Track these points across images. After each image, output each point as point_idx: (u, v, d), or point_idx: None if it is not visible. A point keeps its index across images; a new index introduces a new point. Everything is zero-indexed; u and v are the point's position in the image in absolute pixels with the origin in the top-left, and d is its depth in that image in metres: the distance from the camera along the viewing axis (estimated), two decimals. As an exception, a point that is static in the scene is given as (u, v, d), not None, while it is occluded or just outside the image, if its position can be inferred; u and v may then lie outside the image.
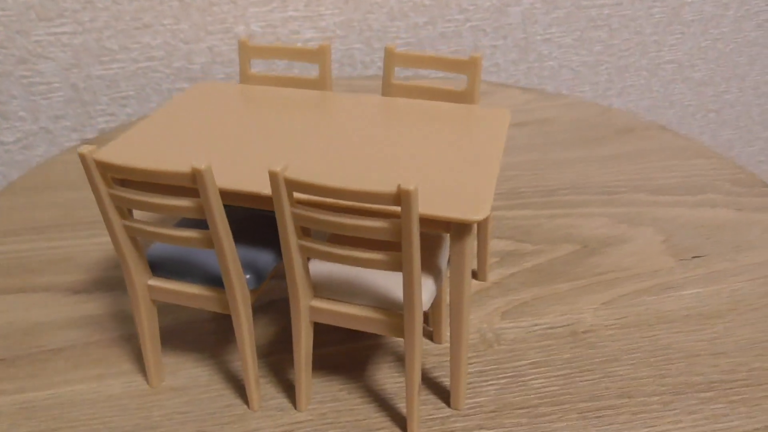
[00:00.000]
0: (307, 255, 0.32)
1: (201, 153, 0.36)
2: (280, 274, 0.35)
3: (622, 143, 0.66)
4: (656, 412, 0.37)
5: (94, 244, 0.51)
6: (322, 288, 0.35)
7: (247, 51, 0.44)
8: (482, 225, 0.45)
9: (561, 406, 0.37)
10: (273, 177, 0.29)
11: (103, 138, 0.67)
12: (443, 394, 0.38)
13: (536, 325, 0.44)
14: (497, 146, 0.37)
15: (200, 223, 0.34)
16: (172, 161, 0.35)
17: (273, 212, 0.32)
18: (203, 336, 0.43)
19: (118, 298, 0.46)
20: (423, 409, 0.37)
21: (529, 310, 0.45)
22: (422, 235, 0.34)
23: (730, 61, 1.11)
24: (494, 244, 0.52)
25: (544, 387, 0.39)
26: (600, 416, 0.37)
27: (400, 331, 0.33)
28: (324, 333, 0.41)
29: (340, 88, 0.77)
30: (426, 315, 0.44)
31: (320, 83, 0.44)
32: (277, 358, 0.41)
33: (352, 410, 0.37)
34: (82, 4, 0.70)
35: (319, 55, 0.44)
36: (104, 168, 0.31)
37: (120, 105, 0.77)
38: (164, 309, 0.44)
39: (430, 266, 0.35)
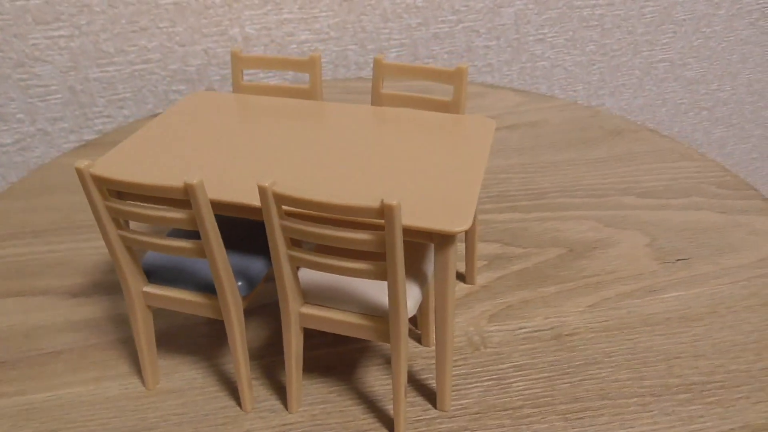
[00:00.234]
0: (296, 264, 0.33)
1: (194, 164, 0.37)
2: (272, 278, 0.36)
3: (611, 146, 0.68)
4: (634, 414, 0.38)
5: (92, 248, 0.53)
6: (311, 295, 0.36)
7: (239, 62, 0.45)
8: (470, 230, 0.46)
9: (543, 408, 0.39)
10: (262, 191, 0.30)
11: (100, 140, 0.68)
12: (430, 396, 0.40)
13: (522, 328, 0.45)
14: (481, 156, 0.38)
15: (192, 233, 0.35)
16: (166, 173, 0.36)
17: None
18: (198, 339, 0.44)
19: (115, 302, 0.47)
20: (410, 410, 0.39)
21: (515, 313, 0.46)
22: (408, 243, 0.36)
23: (723, 59, 1.12)
24: (483, 248, 0.53)
25: (527, 389, 0.40)
26: (580, 417, 0.38)
27: (386, 336, 0.35)
28: (315, 336, 0.42)
29: (334, 90, 0.78)
30: (415, 319, 0.45)
31: (311, 92, 0.45)
32: (269, 360, 0.42)
33: (341, 412, 0.39)
34: (79, 8, 0.71)
35: (309, 65, 0.45)
36: (100, 182, 0.32)
37: (117, 107, 0.78)
38: (160, 313, 0.45)
39: (416, 273, 0.36)
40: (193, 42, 0.77)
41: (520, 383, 0.41)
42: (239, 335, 0.37)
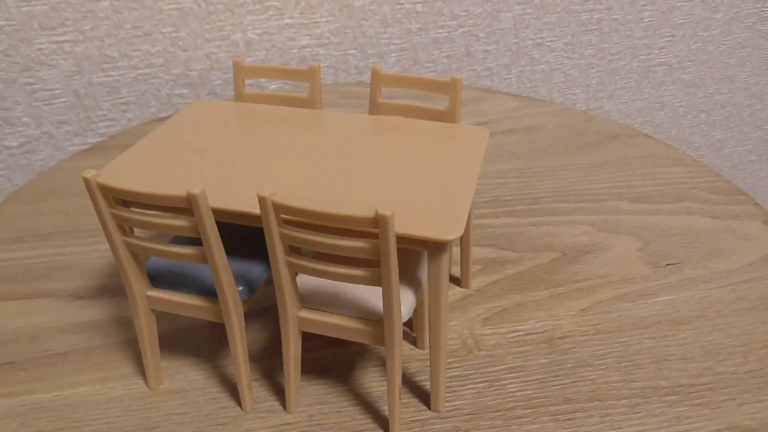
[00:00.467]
0: (295, 270, 0.35)
1: (196, 173, 0.39)
2: (272, 282, 0.37)
3: (606, 150, 0.69)
4: (623, 415, 0.39)
5: (97, 251, 0.54)
6: (309, 300, 0.37)
7: (241, 71, 0.47)
8: (464, 234, 0.47)
9: (534, 409, 0.40)
10: (262, 201, 0.32)
11: (104, 143, 0.70)
12: (425, 397, 0.41)
13: (515, 331, 0.46)
14: (474, 165, 0.39)
15: (194, 239, 0.36)
16: (170, 181, 0.38)
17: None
18: (200, 341, 0.45)
19: (119, 304, 0.48)
20: (405, 411, 0.40)
21: (509, 317, 0.47)
22: (402, 250, 0.37)
23: (720, 62, 1.13)
24: (478, 252, 0.54)
25: (519, 391, 0.41)
26: (571, 419, 0.39)
27: (381, 340, 0.36)
28: (313, 338, 0.44)
29: (335, 94, 0.79)
30: (410, 322, 0.46)
31: (311, 101, 0.47)
32: (269, 362, 0.43)
33: (338, 412, 0.40)
34: (84, 14, 0.72)
35: (309, 75, 0.46)
36: (106, 191, 0.34)
37: (121, 110, 0.79)
38: (163, 316, 0.46)
39: (410, 279, 0.38)
40: (196, 47, 0.79)
41: (513, 385, 0.42)
42: (239, 338, 0.38)
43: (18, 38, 0.71)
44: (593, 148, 0.69)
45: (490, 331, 0.46)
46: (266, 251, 0.38)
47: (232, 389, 0.42)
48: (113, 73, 0.77)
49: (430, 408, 0.40)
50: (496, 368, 0.43)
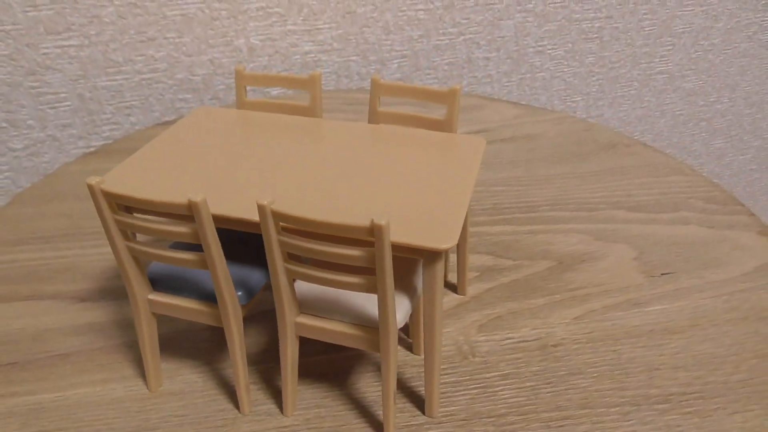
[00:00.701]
0: (293, 277, 0.35)
1: (198, 180, 0.39)
2: (271, 287, 0.38)
3: (604, 159, 0.69)
4: (614, 423, 0.40)
5: (100, 254, 0.55)
6: (306, 306, 0.38)
7: (243, 79, 0.47)
8: (461, 242, 0.48)
9: (526, 416, 0.41)
10: (261, 209, 0.32)
11: (108, 147, 0.70)
12: (419, 403, 0.42)
13: (509, 338, 0.47)
14: (470, 174, 0.40)
15: (195, 245, 0.37)
16: (172, 188, 0.39)
17: (261, 238, 0.35)
18: (199, 344, 0.46)
19: (121, 307, 0.49)
20: (400, 416, 0.41)
21: (504, 324, 0.48)
22: (398, 257, 0.38)
23: (721, 71, 1.14)
24: (475, 259, 0.55)
25: (512, 397, 0.42)
26: (562, 426, 0.40)
27: (377, 346, 0.37)
28: (310, 343, 0.44)
29: (337, 101, 0.80)
30: (407, 328, 0.47)
31: (311, 110, 0.48)
32: (267, 366, 0.44)
33: (334, 416, 0.41)
34: (89, 19, 0.73)
35: (310, 83, 0.47)
36: (110, 197, 0.34)
37: (124, 114, 0.80)
38: (163, 319, 0.47)
39: (406, 286, 0.38)
40: (200, 52, 0.80)
41: (506, 392, 0.42)
42: (238, 342, 0.39)
43: (24, 42, 0.72)
44: (592, 156, 0.70)
45: (484, 337, 0.47)
46: (265, 258, 0.39)
47: (231, 392, 0.42)
48: (118, 77, 0.78)
49: (424, 413, 0.41)
50: (490, 375, 0.44)
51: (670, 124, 1.17)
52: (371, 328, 0.37)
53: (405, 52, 0.90)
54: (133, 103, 0.80)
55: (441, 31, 0.91)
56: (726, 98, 1.18)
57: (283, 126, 0.46)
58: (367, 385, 0.43)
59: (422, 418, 0.41)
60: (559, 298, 0.51)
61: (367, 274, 0.34)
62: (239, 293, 0.38)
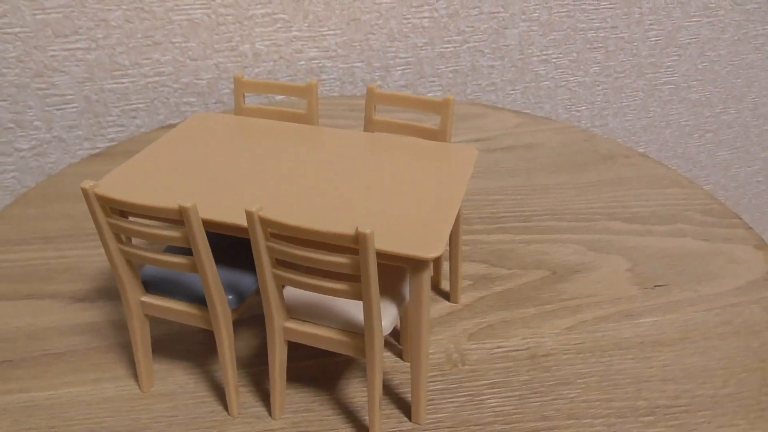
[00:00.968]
0: (281, 282, 0.36)
1: (192, 185, 0.40)
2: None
3: (603, 170, 0.70)
4: (599, 434, 0.40)
5: (99, 255, 0.56)
6: (295, 311, 0.38)
7: (241, 86, 0.48)
8: (454, 250, 0.48)
9: (512, 425, 0.41)
10: (249, 216, 0.33)
11: (113, 149, 0.71)
12: (407, 409, 0.42)
13: (499, 347, 0.47)
14: (460, 184, 0.40)
15: (187, 249, 0.38)
16: (165, 193, 0.39)
17: (250, 244, 0.35)
18: (192, 346, 0.47)
19: (118, 307, 0.50)
20: (387, 422, 0.41)
21: (494, 333, 0.48)
22: (386, 265, 0.38)
23: (728, 82, 1.14)
24: (469, 268, 0.55)
25: (499, 406, 0.42)
26: (547, 435, 0.40)
27: (363, 352, 0.37)
28: (302, 347, 0.45)
29: (339, 107, 0.81)
30: (398, 334, 0.47)
31: (307, 117, 0.48)
32: (257, 369, 0.45)
33: (321, 421, 0.41)
34: (96, 22, 0.74)
35: (307, 92, 0.47)
36: (103, 201, 0.35)
37: (130, 117, 0.81)
38: (157, 321, 0.48)
39: (394, 294, 0.39)
40: (205, 57, 0.81)
41: (493, 400, 0.43)
42: (228, 345, 0.39)
43: (32, 44, 0.73)
44: (590, 167, 0.70)
45: (474, 346, 0.47)
46: (257, 262, 0.39)
47: (221, 394, 0.43)
48: (124, 80, 0.79)
49: (411, 420, 0.41)
50: (478, 383, 0.44)
51: (675, 134, 1.16)
52: (358, 334, 0.37)
53: (409, 59, 0.91)
54: (138, 106, 0.81)
55: (445, 39, 0.91)
56: (732, 109, 1.17)
57: (279, 133, 0.47)
58: (355, 391, 0.43)
59: (409, 425, 0.41)
60: (551, 308, 0.51)
61: (353, 281, 0.34)
62: (230, 297, 0.39)
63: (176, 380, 0.44)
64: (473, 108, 0.83)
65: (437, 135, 0.46)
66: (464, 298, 0.52)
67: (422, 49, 0.91)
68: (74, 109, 0.79)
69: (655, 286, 0.53)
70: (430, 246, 0.34)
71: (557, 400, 0.43)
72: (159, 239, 0.35)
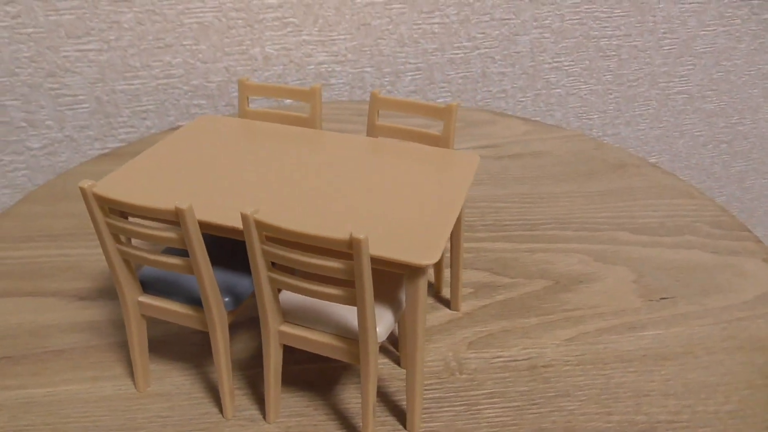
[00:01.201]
0: (276, 286, 0.36)
1: (191, 186, 0.40)
2: (255, 299, 0.39)
3: (611, 179, 0.69)
4: (597, 447, 0.40)
5: (102, 255, 0.56)
6: (290, 315, 0.38)
7: (245, 89, 0.48)
8: (455, 257, 0.48)
9: (508, 436, 0.40)
10: (245, 218, 0.33)
11: (123, 149, 0.72)
12: (402, 417, 0.42)
13: (498, 357, 0.46)
14: (460, 191, 0.40)
15: (184, 250, 0.38)
16: (164, 194, 0.39)
17: (246, 247, 0.35)
18: (190, 348, 0.47)
19: (118, 307, 0.50)
20: (381, 429, 0.41)
21: (494, 342, 0.48)
22: (383, 271, 0.38)
23: (743, 93, 1.12)
24: (472, 275, 0.55)
25: (496, 417, 0.42)
26: (543, 447, 0.40)
27: (357, 358, 0.37)
28: (299, 351, 0.45)
29: (347, 111, 0.81)
30: (396, 341, 0.47)
31: (311, 121, 0.48)
32: (254, 371, 0.45)
33: (315, 426, 0.41)
34: (109, 24, 0.75)
35: (310, 96, 0.47)
36: (101, 201, 0.35)
37: (140, 118, 0.82)
38: (156, 321, 0.48)
39: (390, 300, 0.38)
40: (215, 60, 0.81)
41: (490, 411, 0.42)
42: (223, 347, 0.39)
43: (45, 45, 0.74)
44: (599, 176, 0.69)
45: (474, 354, 0.47)
46: (254, 265, 0.39)
47: (217, 396, 0.43)
48: (135, 81, 0.79)
49: (405, 428, 0.41)
50: (476, 392, 0.43)
51: (689, 145, 1.15)
52: (353, 340, 0.37)
53: (419, 65, 0.91)
54: (149, 107, 0.82)
55: (456, 45, 0.91)
56: (748, 120, 1.16)
57: (282, 136, 0.47)
58: (351, 397, 0.43)
59: (403, 433, 0.41)
60: (552, 318, 0.50)
61: (348, 286, 0.34)
62: (226, 299, 0.39)
63: (173, 381, 0.44)
64: (482, 115, 0.83)
65: (440, 141, 0.46)
66: (465, 306, 0.51)
67: (432, 55, 0.91)
68: (85, 110, 0.80)
69: (660, 299, 0.52)
70: (427, 253, 0.34)
71: (555, 412, 0.42)
72: (156, 240, 0.35)
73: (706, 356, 0.47)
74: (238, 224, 0.36)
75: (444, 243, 0.35)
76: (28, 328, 0.48)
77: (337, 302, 0.34)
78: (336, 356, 0.38)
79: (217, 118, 0.49)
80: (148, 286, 0.41)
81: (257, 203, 0.39)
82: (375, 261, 0.34)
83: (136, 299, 0.40)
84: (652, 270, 0.55)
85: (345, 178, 0.41)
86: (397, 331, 0.47)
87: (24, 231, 0.59)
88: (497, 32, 0.92)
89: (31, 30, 0.73)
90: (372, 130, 0.48)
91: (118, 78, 0.79)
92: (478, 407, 0.42)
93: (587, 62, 0.99)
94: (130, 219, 0.38)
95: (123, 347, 0.47)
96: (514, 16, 0.91)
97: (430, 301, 0.52)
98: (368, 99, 0.90)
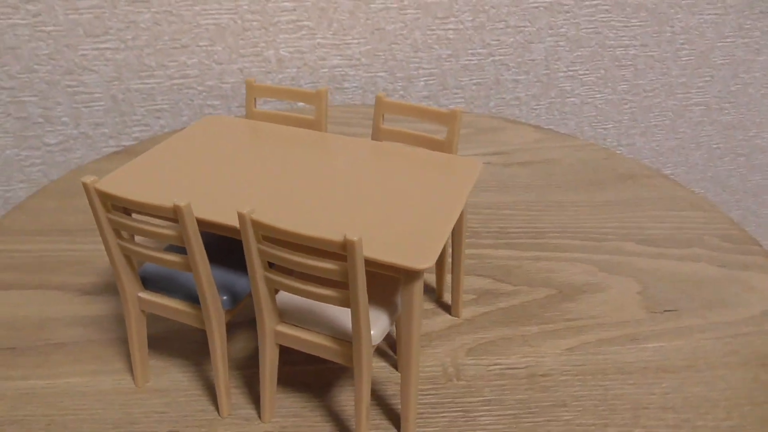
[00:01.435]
0: (272, 285, 0.36)
1: (193, 184, 0.41)
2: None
3: (620, 189, 0.68)
4: (592, 459, 0.39)
5: (109, 250, 0.57)
6: (287, 315, 0.38)
7: (252, 90, 0.49)
8: (456, 263, 0.48)
9: (502, 444, 0.40)
10: (241, 217, 0.33)
11: (136, 147, 0.73)
12: (397, 422, 0.42)
13: (497, 364, 0.46)
14: (460, 196, 0.40)
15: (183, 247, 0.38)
16: (167, 191, 0.40)
17: (244, 246, 0.36)
18: (190, 345, 0.47)
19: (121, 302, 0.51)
20: (375, 432, 0.41)
21: (493, 349, 0.48)
22: (380, 274, 0.38)
23: (763, 105, 1.10)
24: (474, 282, 0.54)
25: (491, 424, 0.41)
26: (537, 457, 0.39)
27: (351, 360, 0.37)
28: (297, 352, 0.44)
29: (358, 115, 0.81)
30: (394, 344, 0.47)
31: (316, 123, 0.48)
32: (252, 371, 0.45)
33: (310, 427, 0.41)
34: (126, 24, 0.76)
35: (316, 98, 0.48)
36: (103, 196, 0.36)
37: (154, 117, 0.83)
38: (158, 318, 0.48)
39: (386, 303, 0.39)
40: (230, 61, 0.82)
41: (486, 418, 0.42)
42: (219, 345, 0.39)
43: (64, 43, 0.75)
44: (608, 186, 0.69)
45: (472, 361, 0.46)
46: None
47: (213, 393, 0.43)
48: (150, 81, 0.81)
49: (399, 432, 0.41)
50: (472, 399, 0.43)
51: (705, 157, 1.14)
52: (347, 342, 0.37)
53: (433, 70, 0.91)
54: (163, 106, 0.83)
55: (470, 52, 0.91)
56: (767, 133, 1.14)
57: (287, 137, 0.47)
58: (347, 399, 0.43)
59: (397, 437, 0.41)
60: (553, 327, 0.50)
61: (342, 288, 0.34)
62: (224, 298, 0.39)
63: (171, 377, 0.44)
64: (493, 121, 0.83)
65: (444, 146, 0.46)
66: (466, 313, 0.51)
67: (446, 61, 0.91)
68: (101, 107, 0.81)
69: (664, 311, 0.52)
70: (422, 257, 0.34)
71: (551, 422, 0.42)
72: (155, 236, 0.36)
73: (707, 370, 0.46)
74: (236, 223, 0.36)
75: (440, 248, 0.35)
76: (33, 321, 0.49)
77: (331, 304, 0.35)
78: (330, 358, 0.38)
79: (223, 118, 0.50)
80: (149, 282, 0.41)
81: (257, 203, 0.39)
82: (370, 263, 0.34)
83: (136, 295, 0.41)
84: (658, 282, 0.55)
85: (346, 180, 0.42)
86: (396, 334, 0.47)
87: (35, 225, 0.60)
88: (512, 39, 0.91)
89: (50, 28, 0.74)
90: (377, 134, 0.48)
91: (134, 77, 0.80)
92: (474, 414, 0.42)
93: (602, 71, 0.98)
94: (133, 216, 0.39)
95: (124, 342, 0.47)
96: (529, 24, 0.91)
97: (431, 306, 0.52)
98: (380, 103, 0.90)
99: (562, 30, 0.93)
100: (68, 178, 0.68)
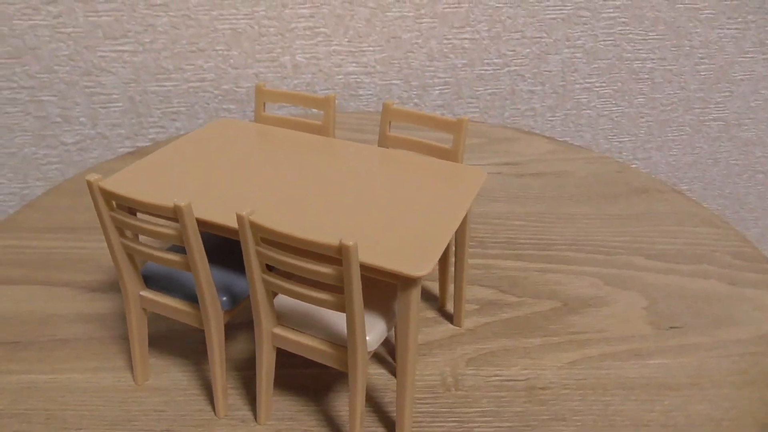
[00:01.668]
0: (270, 288, 0.36)
1: (196, 186, 0.41)
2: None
3: (632, 203, 0.67)
4: (588, 475, 0.39)
5: (118, 248, 0.57)
6: (285, 318, 0.38)
7: (262, 95, 0.49)
8: (459, 272, 0.48)
9: (497, 456, 0.40)
10: (240, 219, 0.33)
11: (151, 148, 0.74)
12: (393, 429, 0.41)
13: (497, 375, 0.46)
14: (463, 205, 0.40)
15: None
16: (170, 191, 0.40)
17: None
18: (192, 345, 0.47)
19: (127, 300, 0.51)
20: (370, 439, 0.41)
21: (494, 360, 0.47)
22: (378, 280, 0.38)
23: (784, 123, 1.09)
24: (478, 292, 0.54)
25: (487, 435, 0.41)
26: (532, 471, 0.39)
27: (346, 365, 0.37)
28: (293, 355, 0.44)
29: (371, 122, 0.81)
30: (393, 351, 0.47)
31: (324, 129, 0.49)
32: (250, 373, 0.45)
33: (306, 430, 0.41)
34: (145, 27, 0.77)
35: (324, 104, 0.48)
36: (107, 195, 0.36)
37: (170, 119, 0.84)
38: (160, 317, 0.49)
39: (384, 309, 0.38)
40: (246, 66, 0.83)
41: (482, 429, 0.42)
42: (217, 345, 0.40)
43: (83, 45, 0.77)
44: (620, 199, 0.68)
45: (472, 371, 0.46)
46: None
47: (212, 394, 0.43)
48: (167, 83, 0.82)
49: (394, 440, 0.40)
50: (470, 410, 0.43)
51: (723, 173, 1.12)
52: (342, 346, 0.37)
53: (448, 79, 0.91)
54: (179, 109, 0.84)
55: (486, 61, 0.91)
56: (788, 152, 1.12)
57: (293, 142, 0.47)
58: (344, 404, 0.43)
59: (391, 445, 0.40)
60: (556, 340, 0.49)
61: (338, 292, 0.34)
62: (223, 298, 0.39)
63: (171, 376, 0.45)
64: (506, 132, 0.82)
65: (449, 154, 0.46)
66: (468, 323, 0.51)
67: (461, 70, 0.91)
68: (118, 108, 0.82)
69: (670, 327, 0.51)
70: (419, 264, 0.34)
71: (549, 436, 0.41)
72: (156, 235, 0.36)
73: (712, 389, 0.45)
74: (234, 224, 0.37)
75: (437, 256, 0.35)
76: (37, 316, 0.50)
77: (327, 308, 0.35)
78: (326, 362, 0.38)
79: (232, 121, 0.50)
80: (151, 281, 0.41)
81: (259, 205, 0.39)
82: (367, 269, 0.34)
83: (137, 293, 0.41)
84: (665, 297, 0.54)
85: (349, 185, 0.42)
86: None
87: (46, 222, 0.61)
88: (528, 50, 0.91)
89: (70, 29, 0.76)
90: (383, 141, 0.48)
91: (151, 79, 0.81)
92: (470, 425, 0.42)
93: (619, 84, 0.98)
94: (137, 215, 0.39)
95: (126, 340, 0.48)
96: (546, 35, 0.90)
97: (433, 315, 0.51)
98: (394, 111, 0.90)
99: (579, 42, 0.92)
100: (82, 177, 0.69)
